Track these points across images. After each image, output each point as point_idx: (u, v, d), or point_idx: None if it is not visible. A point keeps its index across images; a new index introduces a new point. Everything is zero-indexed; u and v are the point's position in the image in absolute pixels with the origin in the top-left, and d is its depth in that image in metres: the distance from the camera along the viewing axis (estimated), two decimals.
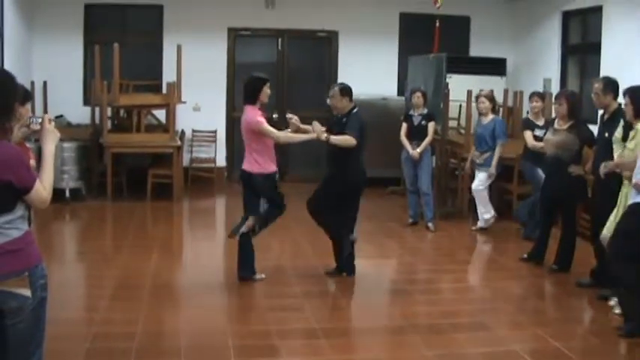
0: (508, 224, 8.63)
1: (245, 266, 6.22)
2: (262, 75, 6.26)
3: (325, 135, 6.08)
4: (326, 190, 6.35)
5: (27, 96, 3.59)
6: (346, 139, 6.06)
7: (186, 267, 7.20)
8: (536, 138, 7.64)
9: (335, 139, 6.08)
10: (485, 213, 8.45)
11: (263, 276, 6.28)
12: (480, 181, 8.37)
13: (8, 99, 2.99)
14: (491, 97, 8.42)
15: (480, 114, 8.46)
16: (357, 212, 6.45)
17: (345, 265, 6.45)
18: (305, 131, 6.29)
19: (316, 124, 6.19)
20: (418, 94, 8.66)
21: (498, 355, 4.77)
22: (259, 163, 6.06)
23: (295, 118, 6.30)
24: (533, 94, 8.22)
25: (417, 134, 8.57)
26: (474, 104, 8.78)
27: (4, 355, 3.04)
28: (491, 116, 8.37)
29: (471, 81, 9.68)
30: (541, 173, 7.48)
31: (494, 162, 8.22)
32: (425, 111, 8.64)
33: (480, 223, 8.49)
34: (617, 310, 5.41)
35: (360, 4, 11.61)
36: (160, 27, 11.34)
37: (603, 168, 5.69)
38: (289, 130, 6.31)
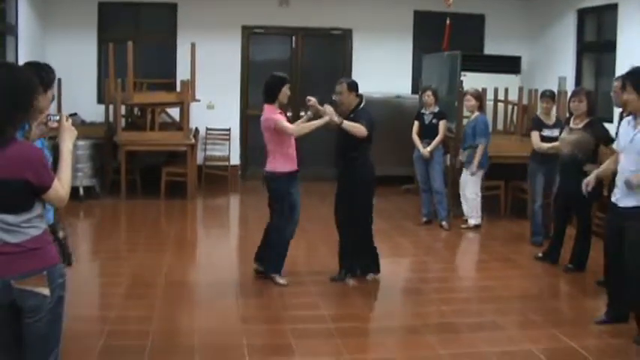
0: (522, 223, 8.58)
1: (271, 263, 6.18)
2: (282, 75, 6.13)
3: (338, 117, 5.89)
4: (338, 190, 6.25)
5: (47, 82, 3.49)
6: (357, 127, 5.86)
7: (200, 265, 7.22)
8: (544, 138, 7.43)
9: (347, 124, 5.88)
10: (472, 218, 8.45)
11: (284, 282, 6.15)
12: (469, 185, 8.32)
13: (26, 97, 2.97)
14: (477, 95, 8.40)
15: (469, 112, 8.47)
16: (372, 211, 6.35)
17: (372, 264, 6.38)
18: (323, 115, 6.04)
19: (328, 107, 5.98)
20: (429, 92, 8.65)
21: (513, 355, 4.75)
22: (281, 162, 5.99)
23: (314, 100, 6.07)
24: (544, 95, 7.87)
25: (428, 133, 8.56)
26: (490, 102, 8.72)
27: (22, 354, 3.05)
28: (476, 114, 8.34)
29: (485, 79, 9.65)
30: (540, 179, 7.53)
31: (475, 161, 8.18)
32: (436, 109, 8.61)
33: (471, 221, 8.49)
34: None
35: (374, 2, 11.59)
36: (174, 25, 11.37)
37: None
38: (309, 112, 6.18)
